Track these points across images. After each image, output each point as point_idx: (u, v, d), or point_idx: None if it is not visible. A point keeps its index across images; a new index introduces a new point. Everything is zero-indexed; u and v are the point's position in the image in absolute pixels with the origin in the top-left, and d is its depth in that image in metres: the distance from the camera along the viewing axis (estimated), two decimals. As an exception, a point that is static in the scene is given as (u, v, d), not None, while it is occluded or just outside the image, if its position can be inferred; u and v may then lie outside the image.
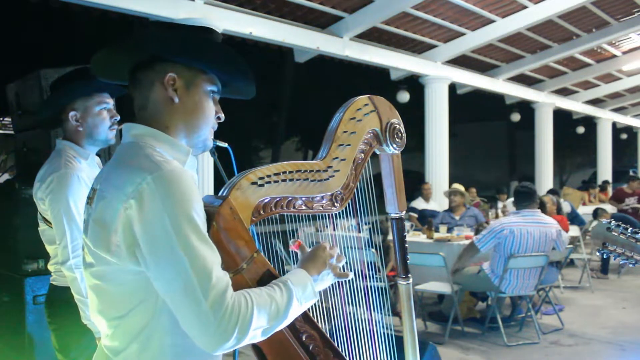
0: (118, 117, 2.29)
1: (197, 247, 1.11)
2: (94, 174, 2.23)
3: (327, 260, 1.39)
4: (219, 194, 1.30)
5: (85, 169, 2.22)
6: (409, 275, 1.64)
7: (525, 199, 5.03)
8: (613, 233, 2.00)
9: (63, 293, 2.22)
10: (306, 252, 1.42)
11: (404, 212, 1.64)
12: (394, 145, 1.58)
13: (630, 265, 2.04)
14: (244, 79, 1.38)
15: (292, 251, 1.49)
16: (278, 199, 1.35)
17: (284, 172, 1.36)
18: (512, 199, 6.34)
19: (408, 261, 1.66)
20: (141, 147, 1.23)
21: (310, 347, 1.41)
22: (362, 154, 1.52)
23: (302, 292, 1.28)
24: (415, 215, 7.63)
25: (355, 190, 1.50)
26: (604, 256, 2.06)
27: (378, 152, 1.61)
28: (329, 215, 1.48)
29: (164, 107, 1.27)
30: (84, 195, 2.08)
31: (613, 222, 2.03)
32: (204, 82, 1.30)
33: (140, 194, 1.12)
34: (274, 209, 1.34)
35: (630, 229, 2.03)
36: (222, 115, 1.36)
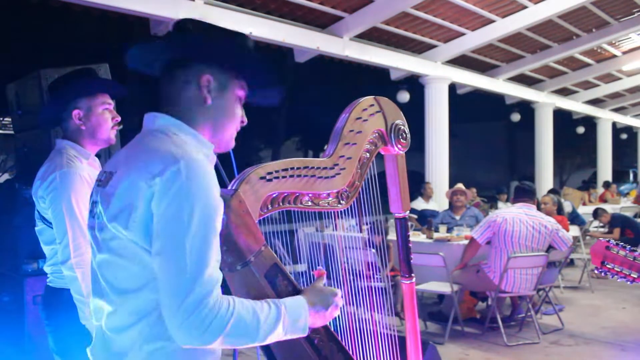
0: (119, 119, 2.29)
1: (202, 241, 1.13)
2: (95, 175, 2.23)
3: (332, 305, 1.35)
4: (229, 187, 1.31)
5: (86, 168, 2.21)
6: (413, 274, 1.65)
7: (523, 194, 5.18)
8: (612, 251, 2.01)
9: (60, 294, 2.20)
10: (320, 284, 1.39)
11: (408, 211, 1.65)
12: (399, 146, 1.60)
13: (629, 283, 2.04)
14: (273, 87, 1.42)
15: (292, 250, 1.49)
16: (286, 194, 1.36)
17: (292, 168, 1.37)
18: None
19: (411, 261, 1.66)
20: (168, 135, 1.25)
21: (315, 341, 1.42)
22: (368, 154, 1.53)
23: (291, 324, 1.25)
24: (415, 216, 7.63)
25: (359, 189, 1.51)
26: (602, 274, 2.06)
27: (383, 153, 1.62)
28: (329, 214, 1.49)
29: (196, 106, 1.30)
30: (86, 195, 2.07)
31: (612, 240, 2.04)
32: (235, 87, 1.34)
33: (168, 176, 1.14)
34: (281, 203, 1.36)
35: (629, 246, 2.04)
36: (246, 120, 1.39)
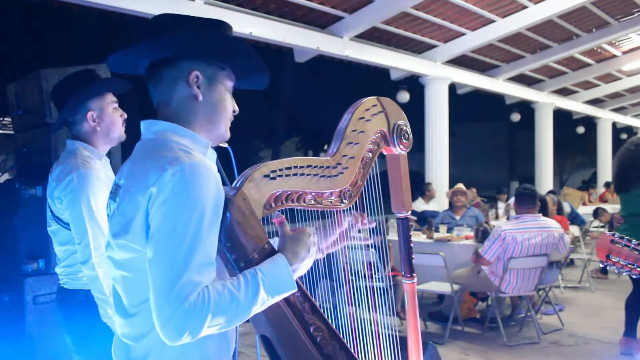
0: (126, 115, 2.30)
1: (189, 243, 1.15)
2: (110, 174, 2.24)
3: (310, 247, 1.36)
4: (233, 185, 1.33)
5: (101, 169, 2.23)
6: (414, 275, 1.65)
7: (527, 202, 4.97)
8: (617, 245, 2.00)
9: (75, 295, 2.21)
10: (287, 232, 1.38)
11: (410, 212, 1.66)
12: (401, 146, 1.60)
13: (634, 277, 2.04)
14: (259, 73, 1.44)
15: None
16: (289, 192, 1.37)
17: (296, 167, 1.38)
18: (512, 199, 6.33)
19: (413, 261, 1.66)
20: (163, 142, 1.28)
21: (318, 339, 1.43)
22: (370, 154, 1.54)
23: (275, 285, 1.24)
24: (414, 217, 7.61)
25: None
26: (607, 268, 2.06)
27: (385, 153, 1.63)
28: (332, 213, 1.50)
29: (188, 104, 1.32)
30: (104, 195, 2.08)
31: (617, 233, 2.03)
32: (223, 79, 1.36)
33: (161, 184, 1.17)
34: (285, 202, 1.36)
35: (634, 240, 2.04)
36: (237, 109, 1.41)
